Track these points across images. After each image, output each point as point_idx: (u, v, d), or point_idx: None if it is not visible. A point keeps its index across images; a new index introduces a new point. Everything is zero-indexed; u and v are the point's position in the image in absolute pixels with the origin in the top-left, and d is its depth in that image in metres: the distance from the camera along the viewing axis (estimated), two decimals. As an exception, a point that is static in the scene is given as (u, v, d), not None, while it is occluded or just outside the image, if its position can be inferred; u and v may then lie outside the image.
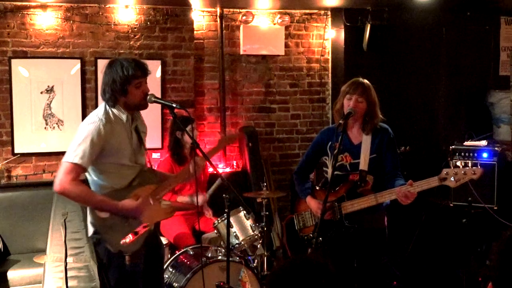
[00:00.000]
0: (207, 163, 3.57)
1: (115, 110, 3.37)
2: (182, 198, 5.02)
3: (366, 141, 3.64)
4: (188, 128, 4.70)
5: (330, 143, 3.73)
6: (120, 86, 3.30)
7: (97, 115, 3.34)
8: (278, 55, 6.48)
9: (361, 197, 3.57)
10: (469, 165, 3.40)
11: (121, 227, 3.32)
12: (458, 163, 3.42)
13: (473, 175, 3.35)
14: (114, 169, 3.36)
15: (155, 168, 4.82)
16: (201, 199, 5.04)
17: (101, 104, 3.44)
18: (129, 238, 3.28)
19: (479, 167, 3.38)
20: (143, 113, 3.57)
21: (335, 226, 3.64)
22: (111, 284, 3.44)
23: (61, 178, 3.23)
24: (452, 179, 3.37)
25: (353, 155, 3.65)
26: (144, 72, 3.36)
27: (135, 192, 3.37)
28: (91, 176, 3.42)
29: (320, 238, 3.56)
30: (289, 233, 4.05)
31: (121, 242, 3.27)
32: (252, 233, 4.55)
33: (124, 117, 3.38)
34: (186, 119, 4.68)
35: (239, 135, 3.95)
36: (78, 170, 3.24)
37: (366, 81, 3.68)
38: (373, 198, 3.53)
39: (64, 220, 4.24)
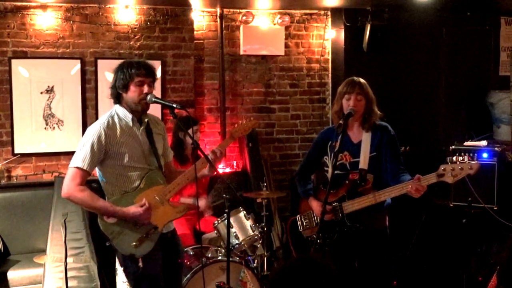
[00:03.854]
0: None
1: (121, 114, 3.42)
2: (185, 200, 5.03)
3: (366, 140, 3.64)
4: (190, 130, 4.70)
5: (330, 142, 3.74)
6: (122, 82, 3.37)
7: (101, 120, 3.42)
8: (278, 55, 6.48)
9: (361, 196, 3.58)
10: (466, 160, 3.39)
11: (131, 231, 3.35)
12: (455, 158, 3.40)
13: (469, 170, 3.35)
14: (120, 172, 3.40)
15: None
16: (203, 203, 5.04)
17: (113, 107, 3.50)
18: (140, 241, 3.33)
19: (475, 161, 3.37)
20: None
21: (337, 226, 3.64)
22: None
23: (67, 184, 3.32)
24: (449, 174, 3.37)
25: (353, 154, 3.66)
26: (149, 72, 3.40)
27: (141, 196, 3.38)
28: (102, 181, 3.47)
29: (319, 240, 3.57)
30: (293, 233, 4.05)
31: (132, 246, 3.31)
32: (252, 233, 4.55)
33: (129, 119, 3.42)
34: (189, 121, 4.69)
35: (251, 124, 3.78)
36: (82, 174, 3.31)
37: (361, 79, 3.70)
38: (372, 197, 3.53)
39: (64, 220, 4.26)
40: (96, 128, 3.35)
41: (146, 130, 3.48)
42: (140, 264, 3.32)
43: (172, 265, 3.58)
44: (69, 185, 3.30)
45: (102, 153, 3.33)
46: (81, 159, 3.30)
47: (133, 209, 3.33)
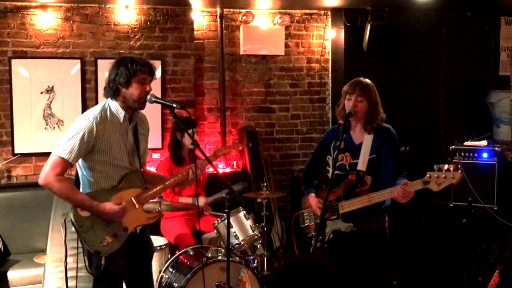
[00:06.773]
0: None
1: (113, 109, 3.40)
2: (184, 199, 5.03)
3: (367, 141, 3.65)
4: (190, 131, 4.70)
5: (334, 142, 3.75)
6: (125, 77, 3.33)
7: (93, 112, 3.38)
8: (278, 55, 6.48)
9: (357, 197, 3.59)
10: (451, 169, 3.40)
11: (101, 228, 3.35)
12: (441, 166, 3.41)
13: (452, 179, 3.35)
14: (102, 168, 3.39)
15: (153, 170, 4.80)
16: (202, 201, 5.05)
17: (102, 101, 3.46)
18: (107, 240, 3.34)
19: (459, 171, 3.38)
20: (144, 112, 3.57)
21: (332, 225, 3.66)
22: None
23: (46, 171, 3.28)
24: (434, 182, 3.38)
25: (353, 155, 3.66)
26: (151, 70, 3.41)
27: (118, 195, 3.38)
28: (81, 171, 3.45)
29: (320, 237, 3.57)
30: (297, 228, 4.06)
31: (100, 243, 3.31)
32: (252, 233, 4.56)
33: (121, 116, 3.40)
34: (188, 122, 4.70)
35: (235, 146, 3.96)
36: (64, 164, 3.29)
37: (367, 80, 3.69)
38: (366, 199, 3.55)
39: (64, 220, 4.25)
40: (88, 121, 3.32)
41: (134, 129, 3.48)
42: (103, 262, 3.33)
43: (140, 258, 3.61)
44: (48, 173, 3.27)
45: (90, 147, 3.32)
46: (68, 151, 3.27)
47: (109, 205, 3.33)
